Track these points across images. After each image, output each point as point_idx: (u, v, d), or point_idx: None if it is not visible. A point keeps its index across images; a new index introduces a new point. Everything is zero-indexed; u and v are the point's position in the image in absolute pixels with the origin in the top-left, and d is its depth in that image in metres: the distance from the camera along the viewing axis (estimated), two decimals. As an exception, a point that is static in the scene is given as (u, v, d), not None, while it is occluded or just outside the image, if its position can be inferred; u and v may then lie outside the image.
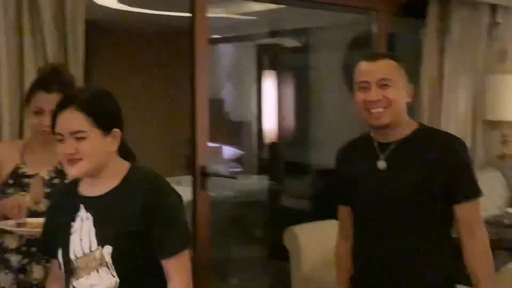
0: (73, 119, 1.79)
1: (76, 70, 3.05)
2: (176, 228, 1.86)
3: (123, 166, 1.92)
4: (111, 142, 1.86)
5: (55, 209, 2.02)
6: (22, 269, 2.43)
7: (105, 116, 1.84)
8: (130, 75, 6.65)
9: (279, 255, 4.36)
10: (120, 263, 1.80)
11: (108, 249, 1.80)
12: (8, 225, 2.29)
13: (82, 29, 3.10)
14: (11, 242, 2.43)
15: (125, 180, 1.88)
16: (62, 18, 3.04)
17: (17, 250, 2.43)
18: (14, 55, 2.94)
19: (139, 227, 1.80)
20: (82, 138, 1.79)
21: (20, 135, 2.87)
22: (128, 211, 1.82)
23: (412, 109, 4.36)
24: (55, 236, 1.93)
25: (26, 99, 2.45)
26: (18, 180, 2.40)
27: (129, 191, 1.85)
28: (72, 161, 1.81)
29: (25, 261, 2.42)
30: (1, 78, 2.90)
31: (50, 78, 2.43)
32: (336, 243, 2.46)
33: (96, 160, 1.83)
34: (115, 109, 1.91)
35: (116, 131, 1.87)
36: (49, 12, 2.99)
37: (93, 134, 1.80)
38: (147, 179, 1.89)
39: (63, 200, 1.98)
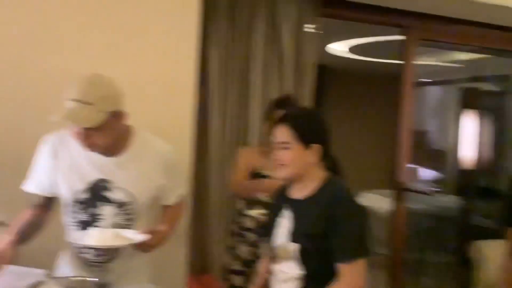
0: (282, 132, 1.77)
1: (306, 103, 3.12)
2: (352, 237, 1.69)
3: (321, 177, 1.80)
4: (310, 155, 1.76)
5: (273, 204, 2.01)
6: (255, 244, 2.56)
7: (307, 132, 1.76)
8: (350, 109, 6.68)
9: (464, 264, 4.00)
10: (304, 259, 1.72)
11: (295, 245, 1.73)
12: (251, 213, 2.44)
13: (312, 71, 3.17)
14: (249, 223, 2.57)
15: (320, 189, 1.77)
16: (298, 63, 3.14)
17: (252, 230, 2.57)
18: (262, 91, 3.09)
19: (321, 231, 1.69)
20: (287, 148, 1.75)
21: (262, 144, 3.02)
22: (315, 216, 1.72)
23: None
24: (270, 226, 1.90)
25: (266, 118, 2.57)
26: (257, 178, 2.53)
27: (320, 199, 1.74)
28: (279, 165, 1.79)
29: (257, 238, 2.55)
30: (254, 107, 3.09)
31: (284, 101, 2.53)
32: (505, 262, 2.16)
33: (295, 168, 1.76)
34: (318, 128, 1.81)
35: (316, 146, 1.77)
36: (290, 58, 3.11)
37: (295, 146, 1.75)
38: (335, 191, 1.75)
39: (277, 199, 1.95)
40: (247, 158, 2.61)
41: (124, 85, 1.80)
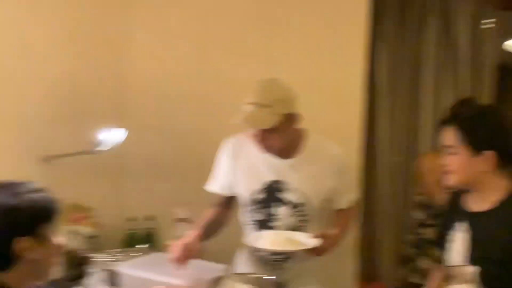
0: (448, 135, 1.56)
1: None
2: None
3: (506, 188, 1.53)
4: (482, 162, 1.51)
5: (445, 215, 1.77)
6: (438, 259, 2.45)
7: (478, 136, 1.52)
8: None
9: None
10: (487, 285, 1.44)
11: (474, 269, 1.45)
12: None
13: (491, 72, 2.99)
14: (429, 235, 2.48)
15: (503, 202, 1.51)
16: (475, 63, 2.97)
17: (433, 242, 2.47)
18: (434, 94, 2.98)
19: (505, 256, 1.45)
20: (453, 153, 1.55)
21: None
22: (498, 235, 1.48)
23: None
24: (442, 240, 1.69)
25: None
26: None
27: (504, 214, 1.49)
28: (445, 172, 1.58)
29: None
30: (426, 112, 2.98)
31: (465, 104, 2.40)
32: None
33: (463, 176, 1.54)
34: (492, 131, 1.54)
35: (489, 153, 1.51)
36: (466, 58, 2.96)
37: (462, 151, 1.53)
38: None
39: (451, 209, 1.72)
40: (431, 164, 2.53)
41: (297, 88, 1.87)
